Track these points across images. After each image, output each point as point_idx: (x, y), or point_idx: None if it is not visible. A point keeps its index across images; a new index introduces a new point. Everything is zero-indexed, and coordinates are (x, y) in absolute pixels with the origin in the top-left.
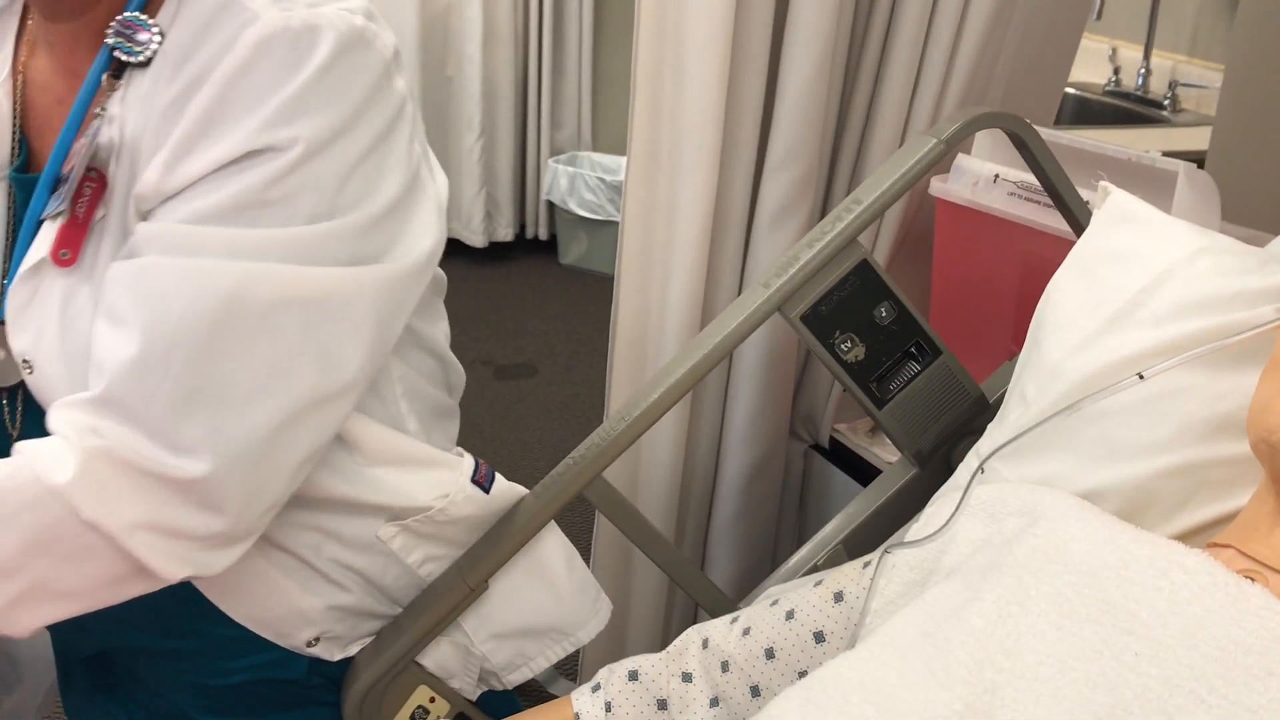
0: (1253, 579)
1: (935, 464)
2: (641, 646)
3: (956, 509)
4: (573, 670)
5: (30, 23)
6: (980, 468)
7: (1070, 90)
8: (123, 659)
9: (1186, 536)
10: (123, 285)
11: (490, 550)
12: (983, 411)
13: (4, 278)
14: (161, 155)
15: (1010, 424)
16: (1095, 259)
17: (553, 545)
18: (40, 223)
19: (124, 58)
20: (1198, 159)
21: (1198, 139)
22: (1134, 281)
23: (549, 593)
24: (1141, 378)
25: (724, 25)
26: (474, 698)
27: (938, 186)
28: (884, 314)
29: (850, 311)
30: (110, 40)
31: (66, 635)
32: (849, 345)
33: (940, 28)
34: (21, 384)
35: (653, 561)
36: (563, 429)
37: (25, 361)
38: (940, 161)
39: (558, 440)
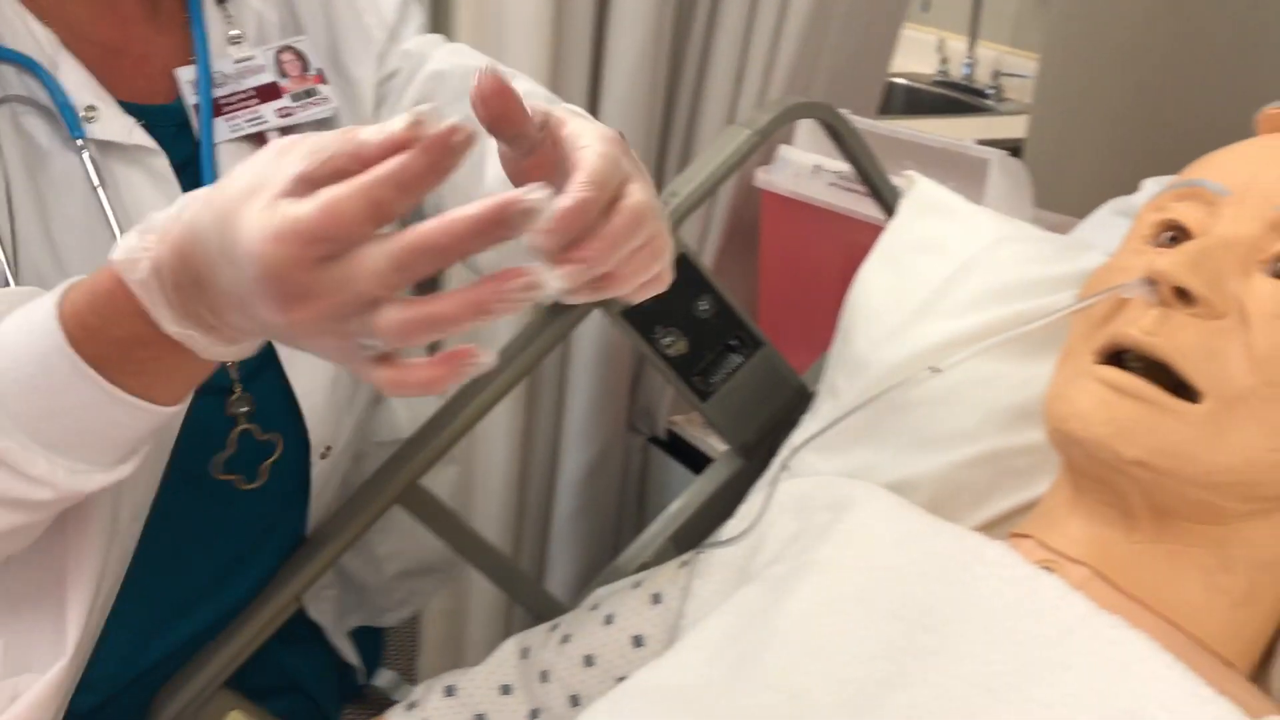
0: (1051, 569)
1: (761, 455)
2: (481, 653)
3: (762, 509)
4: (415, 674)
5: None
6: (784, 465)
7: (901, 81)
8: None
9: (994, 525)
10: None
11: (296, 571)
12: (804, 402)
13: None
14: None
15: (821, 416)
16: (902, 249)
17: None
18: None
19: None
20: (1020, 146)
21: (1020, 127)
22: (939, 271)
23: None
24: (936, 371)
25: (546, 12)
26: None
27: (761, 178)
28: (704, 307)
29: (671, 306)
30: None
31: None
32: (671, 339)
33: (763, 17)
34: None
35: (481, 573)
36: None
37: None
38: (757, 152)
39: None
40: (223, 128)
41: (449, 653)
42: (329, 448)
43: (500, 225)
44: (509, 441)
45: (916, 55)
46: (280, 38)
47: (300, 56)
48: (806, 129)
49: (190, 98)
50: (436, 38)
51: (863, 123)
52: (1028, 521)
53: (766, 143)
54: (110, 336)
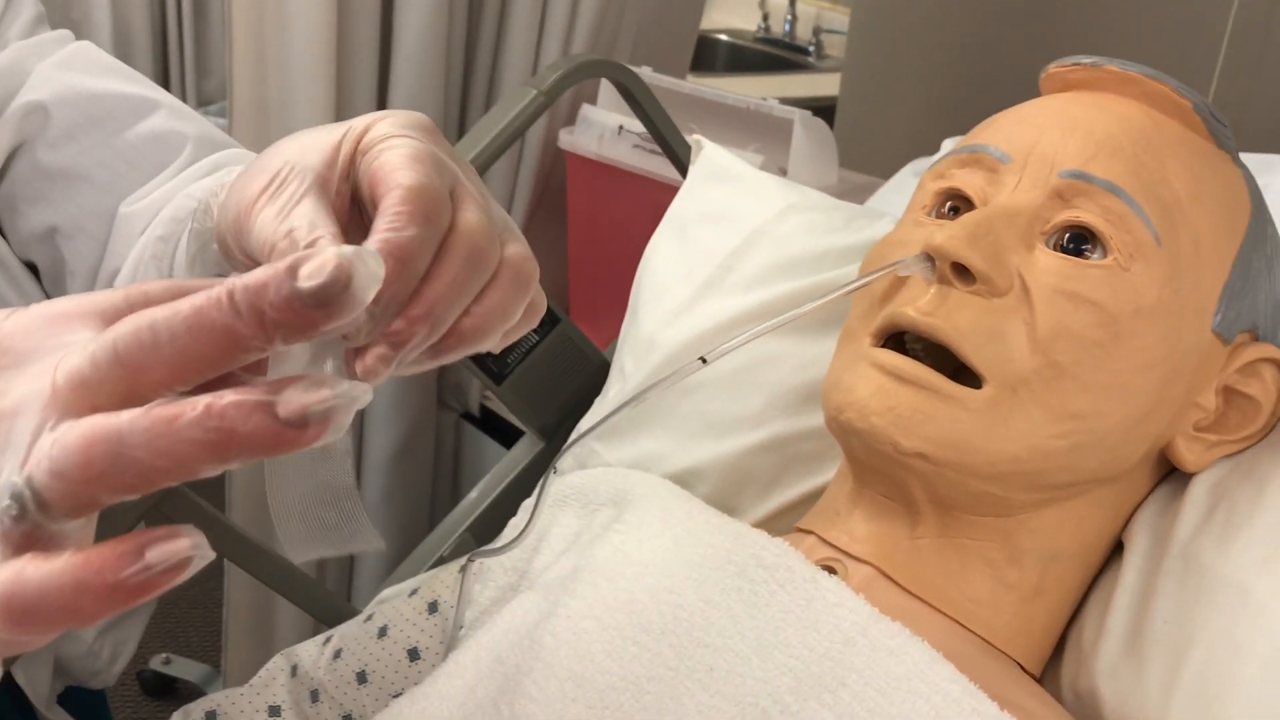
0: (832, 569)
1: (561, 438)
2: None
3: (535, 509)
4: None
5: None
6: (553, 467)
7: (723, 38)
8: None
9: (782, 515)
10: None
11: None
12: (606, 380)
13: None
14: None
15: (610, 400)
16: (689, 219)
17: None
18: None
19: None
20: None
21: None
22: (726, 243)
23: None
24: (704, 361)
25: None
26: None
27: (566, 140)
28: None
29: None
30: None
31: None
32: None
33: None
34: None
35: (254, 578)
36: None
37: None
38: (550, 112)
39: None
40: None
41: (256, 649)
42: None
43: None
44: None
45: (740, 12)
46: None
47: None
48: (611, 89)
49: None
50: (49, 39)
51: (666, 81)
52: (810, 516)
53: (571, 103)
54: None
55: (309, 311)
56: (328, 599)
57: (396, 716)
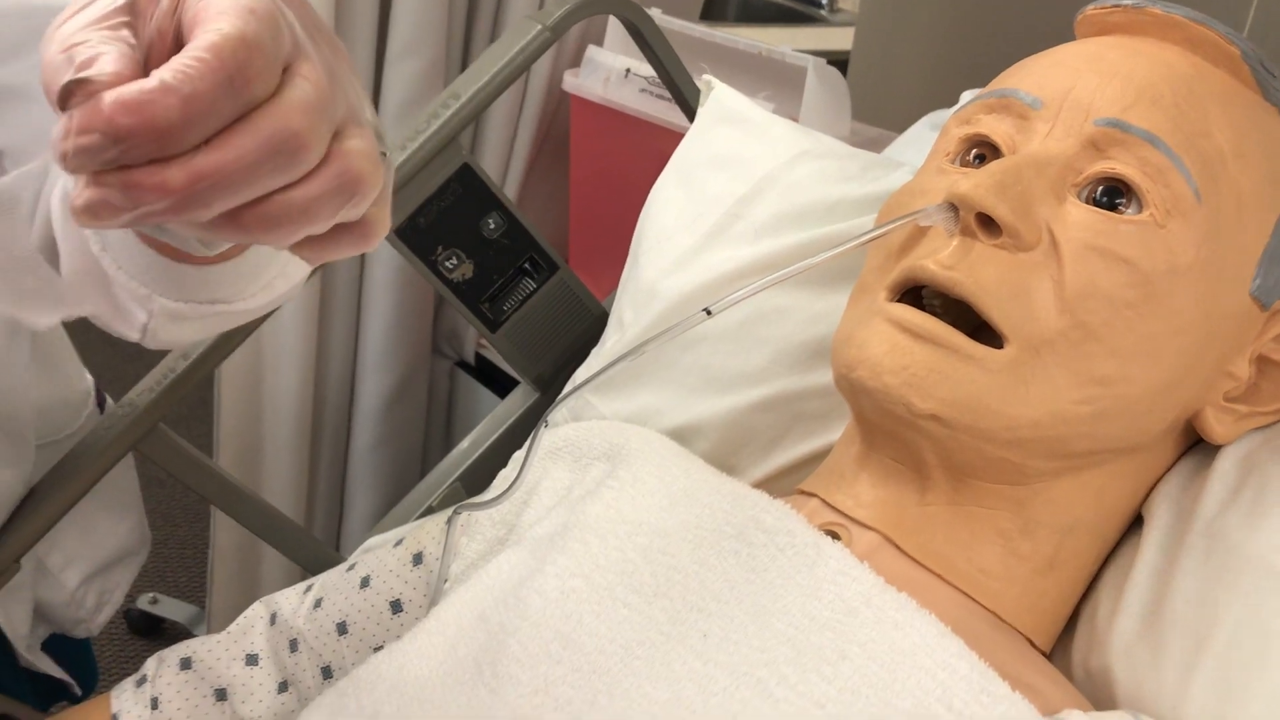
0: (836, 534)
1: (557, 389)
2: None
3: (525, 462)
4: None
5: None
6: (544, 420)
7: None
8: None
9: (784, 475)
10: None
11: (16, 527)
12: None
13: None
14: None
15: (608, 350)
16: (696, 164)
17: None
18: None
19: None
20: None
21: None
22: (734, 189)
23: (124, 511)
24: (709, 313)
25: None
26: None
27: (570, 82)
28: (493, 226)
29: (453, 224)
30: None
31: None
32: (455, 262)
33: None
34: None
35: (238, 523)
36: None
37: None
38: (562, 53)
39: None
40: None
41: (242, 591)
42: None
43: None
44: (300, 368)
45: None
46: None
47: None
48: (619, 29)
49: None
50: None
51: (676, 24)
52: (814, 478)
53: (576, 44)
54: None
55: None
56: (314, 546)
57: (375, 673)
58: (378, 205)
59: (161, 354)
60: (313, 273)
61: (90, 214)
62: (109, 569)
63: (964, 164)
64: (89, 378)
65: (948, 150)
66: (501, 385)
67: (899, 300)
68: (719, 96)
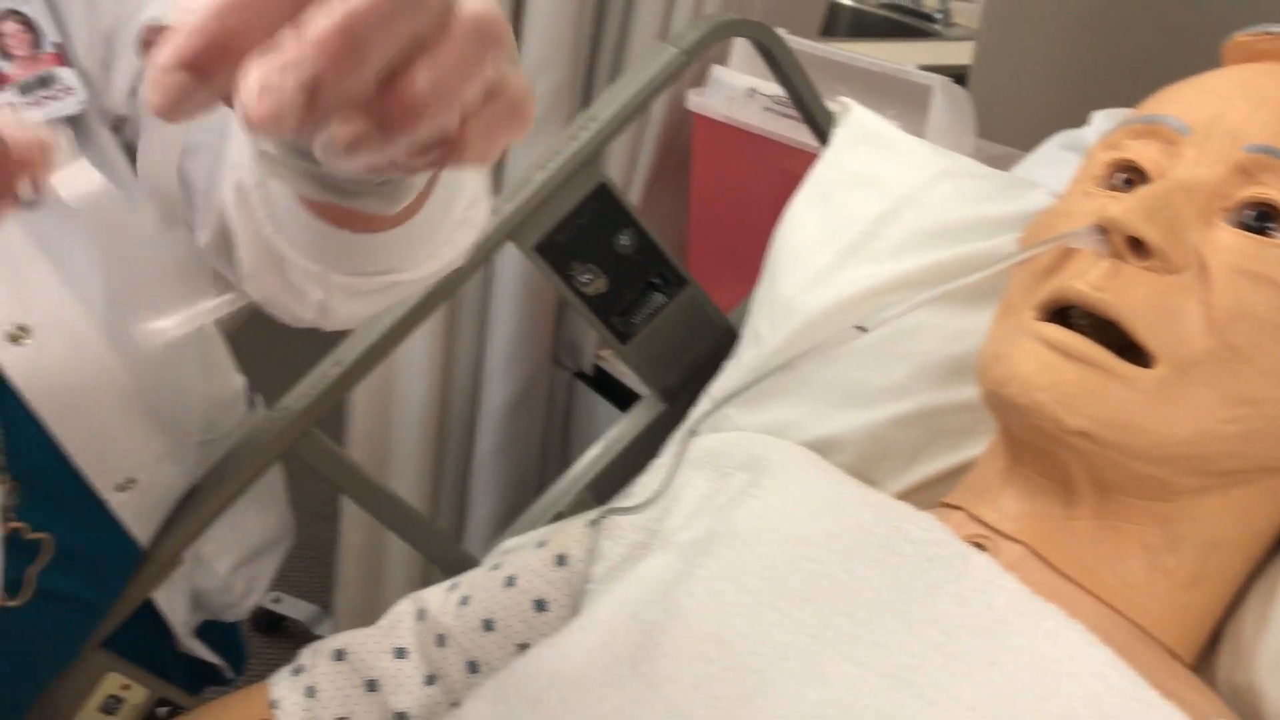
0: (982, 546)
1: (685, 400)
2: (402, 590)
3: (671, 472)
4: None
5: None
6: (693, 430)
7: (846, 2)
8: None
9: (922, 489)
10: None
11: (181, 522)
12: (731, 344)
13: None
14: None
15: (744, 364)
16: (832, 183)
17: None
18: None
19: None
20: (965, 73)
21: (967, 53)
22: (872, 208)
23: (271, 503)
24: (864, 330)
25: None
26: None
27: (694, 101)
28: (625, 242)
29: (589, 240)
30: None
31: None
32: (589, 277)
33: None
34: None
35: (384, 525)
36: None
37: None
38: (688, 73)
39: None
40: None
41: (366, 590)
42: (130, 479)
43: None
44: (428, 375)
45: None
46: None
47: (29, 26)
48: (742, 49)
49: None
50: None
51: (801, 44)
52: (958, 491)
53: (700, 64)
54: None
55: None
56: (451, 548)
57: (534, 666)
58: (519, 75)
59: (312, 361)
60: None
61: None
62: (257, 557)
63: (1111, 188)
64: (241, 378)
65: (1094, 174)
66: (618, 396)
67: (1047, 320)
68: (856, 118)
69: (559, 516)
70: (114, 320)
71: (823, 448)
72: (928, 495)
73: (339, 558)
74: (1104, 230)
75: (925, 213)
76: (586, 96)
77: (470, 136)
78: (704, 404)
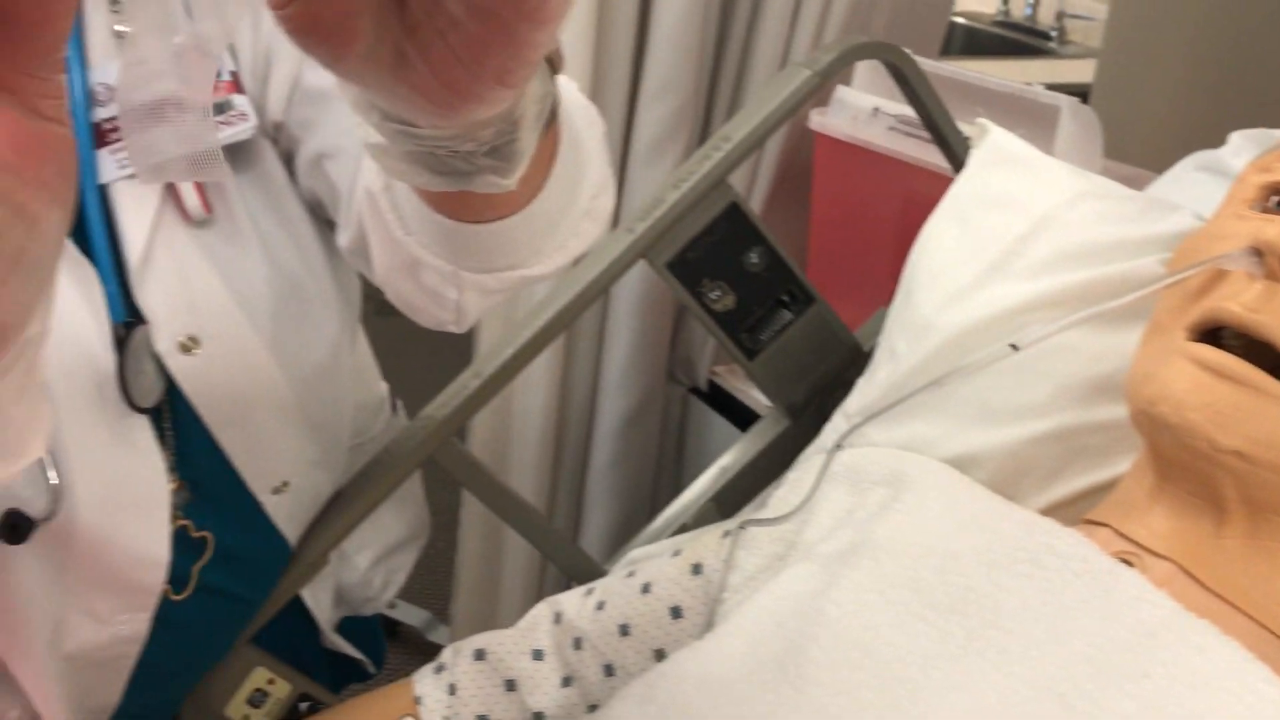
0: (1129, 563)
1: (809, 416)
2: (514, 613)
3: (814, 486)
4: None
5: None
6: (839, 445)
7: (959, 20)
8: None
9: (1062, 507)
10: None
11: (329, 524)
12: (858, 362)
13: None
14: None
15: (879, 381)
16: (971, 203)
17: None
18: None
19: None
20: (1083, 92)
21: (1084, 71)
22: (1011, 228)
23: (408, 502)
24: (1015, 348)
25: None
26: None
27: (817, 120)
28: (755, 260)
29: (719, 258)
30: None
31: None
32: (719, 294)
33: None
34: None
35: (513, 528)
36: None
37: (191, 339)
38: (817, 94)
39: (444, 382)
40: (109, 164)
41: (484, 597)
42: (285, 482)
43: None
44: (546, 390)
45: None
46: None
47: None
48: (865, 70)
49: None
50: None
51: (924, 64)
52: (1104, 508)
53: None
54: None
55: None
56: (580, 556)
57: (680, 669)
58: None
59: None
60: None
61: None
62: (394, 552)
63: (1265, 210)
64: (384, 384)
65: (1247, 197)
66: (733, 412)
67: (1199, 340)
68: (994, 139)
69: (684, 528)
70: (277, 333)
71: (961, 464)
72: (1068, 513)
73: (458, 565)
74: (1259, 253)
75: (1066, 233)
76: (707, 119)
77: None
78: (839, 420)
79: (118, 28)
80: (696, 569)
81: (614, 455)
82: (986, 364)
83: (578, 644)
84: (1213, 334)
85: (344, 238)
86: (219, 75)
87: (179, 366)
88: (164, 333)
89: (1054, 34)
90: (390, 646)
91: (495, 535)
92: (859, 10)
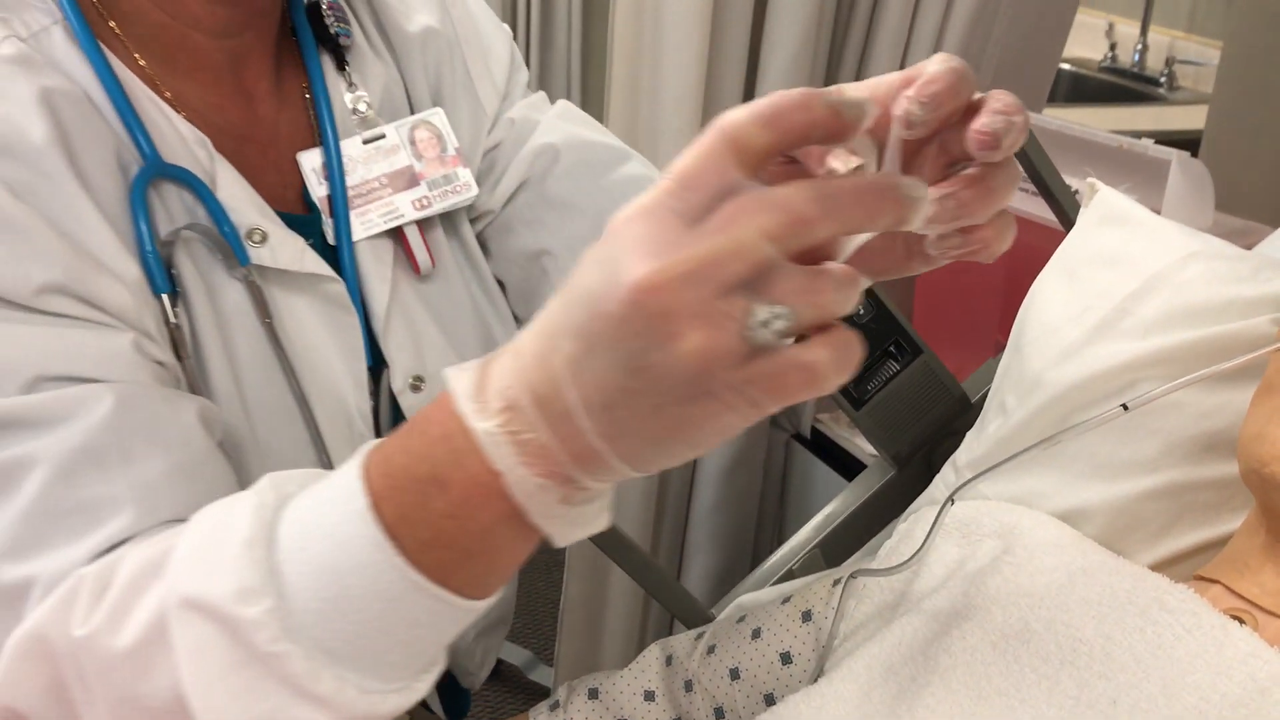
0: (1241, 620)
1: (915, 465)
2: (616, 654)
3: (928, 539)
4: (550, 653)
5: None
6: (950, 499)
7: (1065, 67)
8: None
9: (1172, 562)
10: None
11: None
12: (964, 412)
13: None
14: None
15: (989, 435)
16: (1081, 261)
17: None
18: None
19: (345, 41)
20: (1194, 138)
21: (1194, 118)
22: (1121, 287)
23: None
24: (1126, 408)
25: (704, 3)
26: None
27: None
28: (862, 312)
29: None
30: (334, 27)
31: None
32: None
33: (928, 5)
34: None
35: (623, 569)
36: None
37: (418, 379)
38: None
39: None
40: (356, 225)
41: (587, 639)
42: None
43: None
44: None
45: (1082, 40)
46: (405, 104)
47: (437, 135)
48: None
49: (317, 188)
50: (538, 99)
51: (1032, 119)
52: (1215, 565)
53: None
54: (426, 507)
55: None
56: (687, 599)
57: (793, 711)
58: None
59: None
60: None
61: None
62: (491, 630)
63: None
64: None
65: None
66: (836, 459)
67: None
68: (1103, 198)
69: (790, 574)
70: None
71: (1071, 518)
72: (1178, 569)
73: (563, 607)
74: None
75: (1177, 292)
76: None
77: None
78: (948, 473)
79: (356, 104)
80: (806, 616)
81: (716, 500)
82: (1098, 424)
83: (689, 686)
84: None
85: None
86: (445, 150)
87: (409, 403)
88: (399, 373)
89: (1163, 79)
90: (492, 685)
91: (600, 578)
92: (966, 61)
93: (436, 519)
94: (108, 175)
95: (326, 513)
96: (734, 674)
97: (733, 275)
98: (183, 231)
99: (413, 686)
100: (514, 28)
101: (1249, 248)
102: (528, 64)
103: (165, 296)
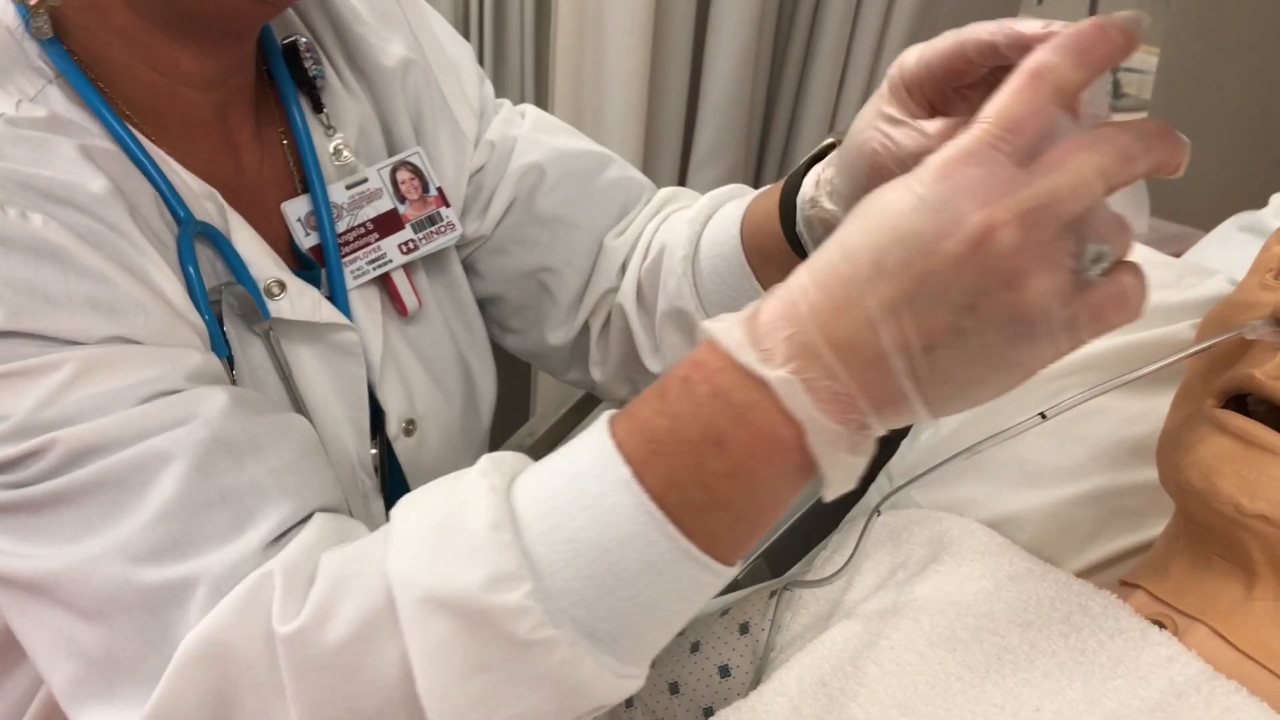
0: (1162, 625)
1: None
2: None
3: (856, 550)
4: None
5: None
6: (876, 510)
7: None
8: None
9: (1102, 567)
10: None
11: None
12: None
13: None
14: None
15: (921, 444)
16: None
17: None
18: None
19: (320, 82)
20: None
21: None
22: None
23: None
24: (1044, 417)
25: (645, 15)
26: None
27: None
28: None
29: None
30: (312, 69)
31: None
32: None
33: (867, 14)
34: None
35: None
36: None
37: (409, 423)
38: None
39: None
40: (346, 272)
41: None
42: None
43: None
44: None
45: None
46: (382, 141)
47: (418, 174)
48: None
49: (304, 238)
50: (510, 112)
51: None
52: (1138, 570)
53: None
54: (701, 469)
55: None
56: None
57: None
58: None
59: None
60: None
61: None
62: None
63: None
64: None
65: (1270, 266)
66: None
67: (1225, 406)
68: None
69: (735, 584)
70: (465, 410)
71: (1002, 525)
72: (1107, 574)
73: None
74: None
75: None
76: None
77: None
78: (883, 482)
79: (333, 145)
80: (744, 628)
81: None
82: (1018, 433)
83: (629, 702)
84: (1239, 400)
85: (557, 336)
86: (427, 190)
87: (401, 448)
88: (394, 419)
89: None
90: None
91: None
92: None
93: (713, 480)
94: (162, 228)
95: (582, 486)
96: (673, 688)
97: (1070, 214)
98: (224, 288)
99: (646, 672)
100: (469, 38)
101: (1183, 253)
102: None
103: (224, 360)
